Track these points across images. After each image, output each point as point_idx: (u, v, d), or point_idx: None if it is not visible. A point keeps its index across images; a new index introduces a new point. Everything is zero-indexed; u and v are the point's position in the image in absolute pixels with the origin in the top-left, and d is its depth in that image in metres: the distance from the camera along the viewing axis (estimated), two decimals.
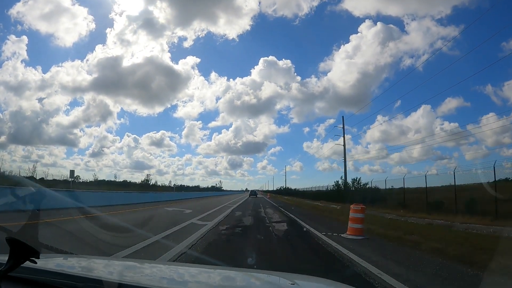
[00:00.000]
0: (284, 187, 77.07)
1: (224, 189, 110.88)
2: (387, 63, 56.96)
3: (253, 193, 57.42)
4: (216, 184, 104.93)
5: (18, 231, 1.71)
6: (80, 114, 67.19)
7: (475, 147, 47.47)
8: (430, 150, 59.84)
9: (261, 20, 71.48)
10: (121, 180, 54.73)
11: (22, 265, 1.11)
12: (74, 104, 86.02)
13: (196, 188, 75.16)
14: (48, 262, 1.52)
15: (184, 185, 71.48)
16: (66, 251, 2.47)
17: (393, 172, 76.12)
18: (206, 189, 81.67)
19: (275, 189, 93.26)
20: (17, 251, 1.06)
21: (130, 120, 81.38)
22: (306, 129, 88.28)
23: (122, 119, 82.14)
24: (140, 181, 57.56)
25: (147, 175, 77.95)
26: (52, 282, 1.25)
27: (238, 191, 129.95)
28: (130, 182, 55.01)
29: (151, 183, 56.09)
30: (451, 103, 56.99)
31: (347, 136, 65.69)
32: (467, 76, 55.07)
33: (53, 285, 1.25)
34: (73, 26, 68.96)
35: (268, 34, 79.34)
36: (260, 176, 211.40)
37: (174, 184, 61.57)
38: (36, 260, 1.10)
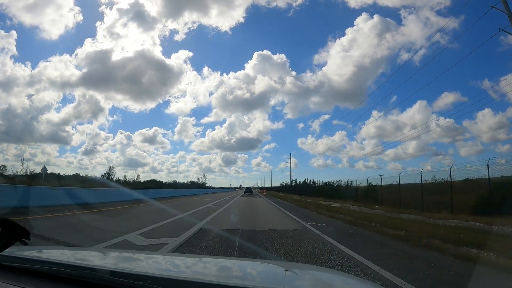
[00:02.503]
0: (291, 182, 55.04)
1: (210, 185, 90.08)
2: (383, 56, 56.31)
3: (248, 190, 53.12)
4: (199, 180, 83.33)
5: None
6: (71, 111, 65.10)
7: (470, 143, 48.49)
8: (426, 146, 58.39)
9: (254, 11, 69.59)
10: (72, 174, 46.29)
11: (16, 254, 1.23)
12: (64, 101, 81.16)
13: (174, 185, 60.84)
14: (42, 252, 1.61)
15: (156, 180, 58.54)
16: (61, 241, 2.62)
17: (387, 168, 76.89)
18: (184, 186, 65.09)
19: (279, 185, 78.55)
20: (8, 232, 1.08)
21: (122, 117, 79.44)
22: (301, 125, 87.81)
23: (114, 116, 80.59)
24: (101, 175, 47.34)
25: (109, 167, 62.02)
26: (46, 270, 1.26)
27: (227, 188, 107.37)
28: (85, 176, 43.52)
29: (115, 178, 45.70)
30: (447, 98, 54.91)
31: (342, 132, 63.71)
32: (465, 70, 53.92)
33: (47, 274, 1.25)
34: (59, 18, 64.38)
35: (262, 26, 77.37)
36: (254, 173, 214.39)
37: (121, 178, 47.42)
38: (27, 241, 1.14)
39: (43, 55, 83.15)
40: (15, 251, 1.19)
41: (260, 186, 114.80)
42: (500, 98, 39.36)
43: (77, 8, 67.05)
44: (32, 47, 64.72)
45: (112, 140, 77.86)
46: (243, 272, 1.73)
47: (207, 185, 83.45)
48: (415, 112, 56.02)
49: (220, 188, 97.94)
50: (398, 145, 78.80)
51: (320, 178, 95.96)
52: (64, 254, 1.82)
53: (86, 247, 3.07)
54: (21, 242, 1.12)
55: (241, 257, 4.84)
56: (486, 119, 43.05)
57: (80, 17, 65.07)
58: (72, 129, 72.99)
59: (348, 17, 66.25)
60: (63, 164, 71.41)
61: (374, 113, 56.65)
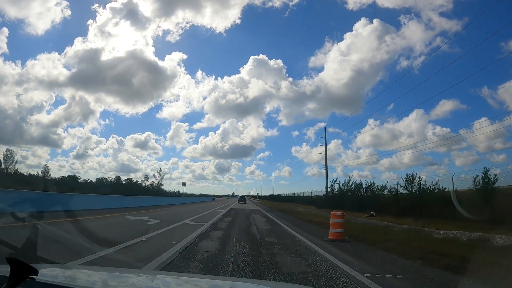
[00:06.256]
0: (331, 189, 28.27)
1: (174, 191, 57.02)
2: (382, 60, 55.74)
3: (242, 199, 51.29)
4: (147, 179, 53.52)
5: None
6: (62, 113, 63.87)
7: (465, 153, 45.11)
8: (421, 155, 57.13)
9: (249, 9, 68.74)
10: None
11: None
12: (55, 102, 78.58)
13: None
14: (46, 276, 1.49)
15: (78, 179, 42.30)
16: (55, 261, 2.49)
17: (382, 178, 76.12)
18: (120, 187, 44.25)
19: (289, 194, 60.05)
20: (17, 270, 1.10)
21: (114, 121, 77.25)
22: (296, 133, 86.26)
23: (106, 119, 78.67)
24: None
25: (7, 149, 41.52)
26: None
27: (206, 196, 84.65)
28: None
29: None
30: (445, 106, 56.62)
31: (338, 141, 63.45)
32: (464, 78, 52.82)
33: None
34: (45, 12, 64.64)
35: (258, 27, 76.16)
36: (248, 181, 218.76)
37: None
38: (35, 278, 1.14)
39: (31, 52, 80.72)
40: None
41: (258, 195, 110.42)
42: (498, 106, 40.16)
43: (65, 2, 65.61)
44: (19, 43, 61.51)
45: (104, 144, 75.65)
46: None
47: (164, 190, 54.82)
48: (411, 121, 54.95)
49: (199, 196, 72.08)
50: (393, 154, 77.42)
51: (314, 186, 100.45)
52: (59, 272, 1.78)
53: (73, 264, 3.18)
54: (30, 278, 1.12)
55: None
56: (482, 128, 36.88)
57: (68, 12, 62.67)
58: (64, 132, 70.21)
59: (346, 18, 63.54)
60: (55, 167, 67.66)
61: (371, 121, 55.95)
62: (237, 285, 1.98)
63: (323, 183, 30.04)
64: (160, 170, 57.52)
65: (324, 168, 31.06)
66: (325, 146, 32.71)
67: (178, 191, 65.03)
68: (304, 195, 40.35)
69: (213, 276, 3.63)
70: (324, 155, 32.40)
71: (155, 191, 49.53)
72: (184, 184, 47.37)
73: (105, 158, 79.38)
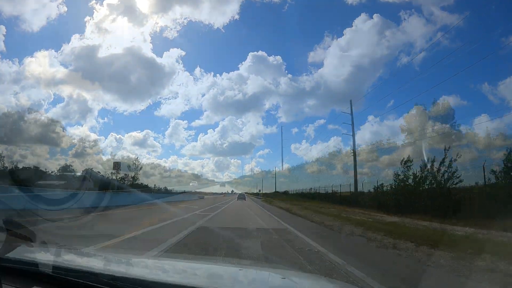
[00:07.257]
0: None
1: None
2: (382, 56, 54.97)
3: (242, 196, 49.33)
4: (118, 173, 37.87)
5: None
6: (60, 111, 61.93)
7: (465, 150, 28.23)
8: (421, 152, 36.97)
9: (247, 5, 69.19)
10: None
11: (17, 257, 1.19)
12: (53, 101, 71.27)
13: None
14: (43, 255, 1.51)
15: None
16: (59, 244, 2.54)
17: (381, 175, 53.26)
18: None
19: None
20: (14, 233, 1.11)
21: (113, 119, 75.58)
22: (295, 130, 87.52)
23: (105, 117, 76.95)
24: None
25: None
26: (48, 273, 1.24)
27: (201, 194, 74.72)
28: None
29: None
30: (446, 102, 34.34)
31: (338, 139, 61.12)
32: (464, 74, 49.54)
33: (50, 277, 1.24)
34: (41, 8, 59.74)
35: (256, 22, 73.52)
36: (248, 178, 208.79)
37: None
38: (33, 244, 1.16)
39: (28, 50, 77.57)
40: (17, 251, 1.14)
41: (260, 191, 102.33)
42: (499, 102, 40.80)
43: None
44: (15, 41, 57.25)
45: (103, 142, 71.81)
46: (237, 278, 1.73)
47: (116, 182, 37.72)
48: (411, 117, 41.97)
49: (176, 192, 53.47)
50: (393, 152, 68.77)
51: (314, 183, 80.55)
52: (63, 255, 1.79)
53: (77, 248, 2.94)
54: (27, 244, 1.12)
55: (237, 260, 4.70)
56: (482, 124, 40.15)
57: (64, 8, 58.11)
58: (63, 130, 63.45)
59: (346, 13, 61.06)
60: (54, 166, 56.91)
61: (370, 117, 55.43)
62: (241, 271, 1.87)
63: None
64: (137, 160, 46.78)
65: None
66: (352, 125, 28.35)
67: (165, 187, 56.47)
68: (325, 190, 31.77)
69: (217, 262, 3.40)
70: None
71: (129, 185, 39.41)
72: (117, 166, 35.32)
73: (104, 156, 77.89)
